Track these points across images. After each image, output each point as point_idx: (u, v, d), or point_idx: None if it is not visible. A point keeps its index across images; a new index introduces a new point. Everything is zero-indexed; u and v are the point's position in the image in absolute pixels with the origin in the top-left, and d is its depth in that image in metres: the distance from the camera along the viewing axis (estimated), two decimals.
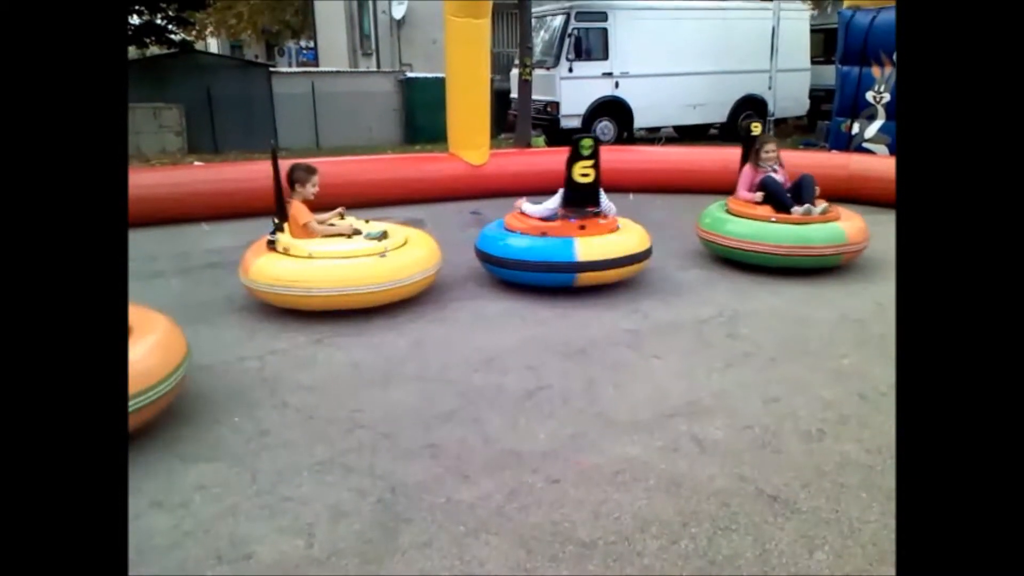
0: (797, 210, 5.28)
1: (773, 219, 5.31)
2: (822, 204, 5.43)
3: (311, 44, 25.61)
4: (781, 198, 5.44)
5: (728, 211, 5.65)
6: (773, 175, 5.64)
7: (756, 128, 6.04)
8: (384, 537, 2.46)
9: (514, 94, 13.08)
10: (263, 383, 3.65)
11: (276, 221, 4.70)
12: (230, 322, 4.53)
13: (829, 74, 11.97)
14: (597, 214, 4.99)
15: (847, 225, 5.30)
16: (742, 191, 5.74)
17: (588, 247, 4.81)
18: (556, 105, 12.95)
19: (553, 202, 5.04)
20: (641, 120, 13.61)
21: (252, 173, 8.14)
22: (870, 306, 4.72)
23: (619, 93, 13.25)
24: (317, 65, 22.54)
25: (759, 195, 5.55)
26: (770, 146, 5.78)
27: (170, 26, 15.01)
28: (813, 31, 14.94)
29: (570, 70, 12.82)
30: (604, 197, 5.07)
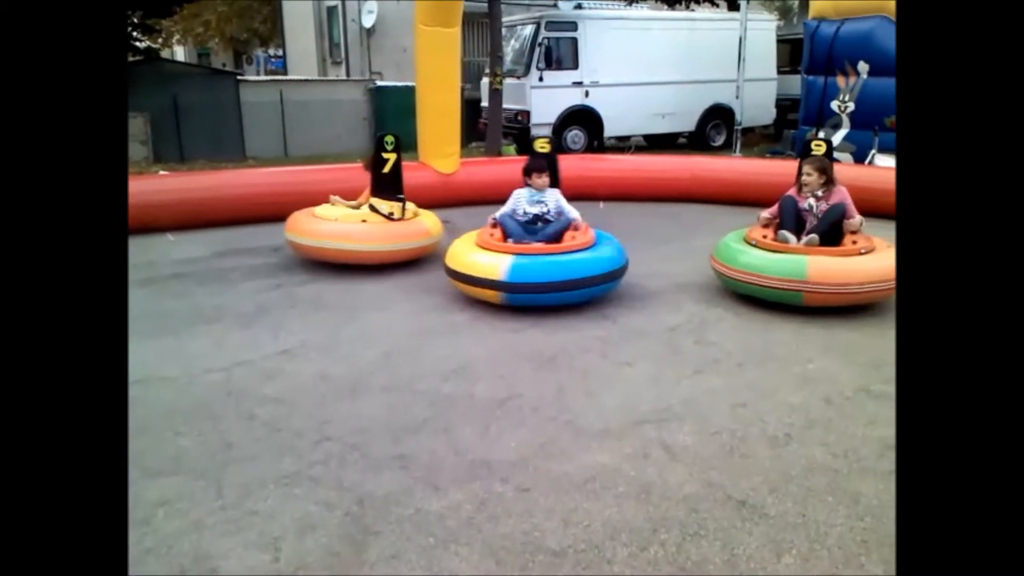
0: (780, 234, 4.88)
1: (753, 242, 4.90)
2: (858, 237, 4.82)
3: (280, 52, 25.41)
4: (784, 223, 4.96)
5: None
6: (798, 199, 5.05)
7: (818, 148, 5.21)
8: (352, 550, 2.43)
9: (485, 103, 13.11)
10: (228, 395, 3.60)
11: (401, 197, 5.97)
12: (195, 334, 4.46)
13: (795, 84, 12.18)
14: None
15: (817, 262, 4.55)
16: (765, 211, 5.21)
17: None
18: (527, 114, 12.99)
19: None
20: (611, 129, 13.70)
21: (219, 182, 8.07)
22: (835, 310, 4.77)
23: (589, 102, 13.33)
24: (286, 73, 22.37)
25: (764, 213, 5.14)
26: (807, 168, 5.03)
27: (135, 33, 14.82)
28: (779, 41, 15.19)
29: (540, 79, 12.88)
30: (565, 203, 5.09)
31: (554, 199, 5.20)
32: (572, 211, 5.15)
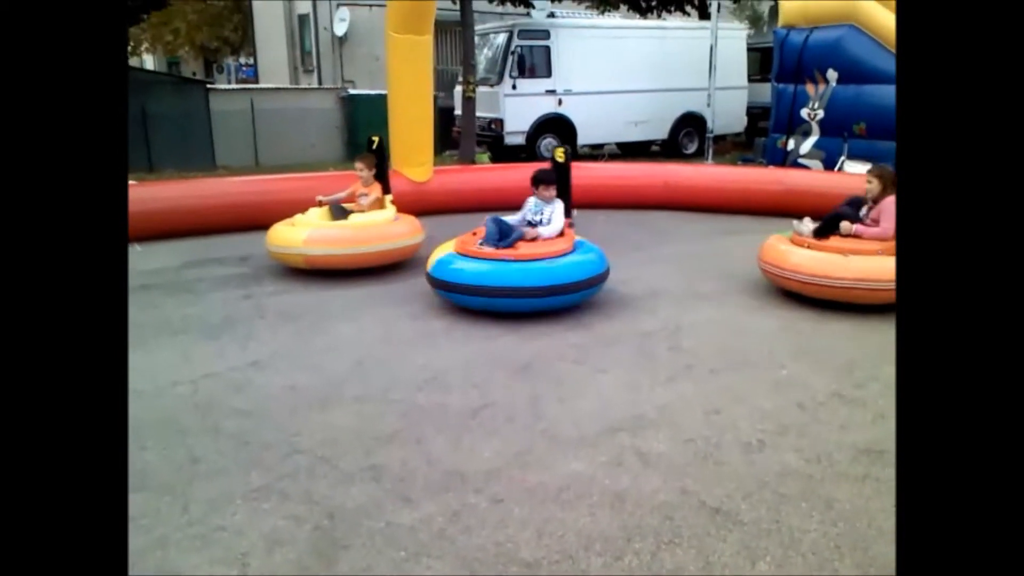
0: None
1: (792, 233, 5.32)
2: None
3: (251, 61, 25.20)
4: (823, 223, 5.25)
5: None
6: (850, 207, 5.24)
7: None
8: (321, 565, 2.37)
9: (458, 111, 13.10)
10: (196, 408, 3.52)
11: None
12: (163, 346, 4.37)
13: (765, 92, 12.31)
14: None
15: (769, 242, 5.32)
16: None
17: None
18: (500, 122, 13.00)
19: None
20: (585, 137, 13.76)
21: (188, 191, 7.96)
22: (809, 315, 4.81)
23: (562, 110, 13.37)
24: (257, 82, 22.18)
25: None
26: (868, 176, 5.27)
27: None
28: (750, 50, 15.37)
29: (514, 87, 12.90)
30: (558, 213, 5.05)
31: (551, 210, 5.12)
32: (555, 223, 5.06)
